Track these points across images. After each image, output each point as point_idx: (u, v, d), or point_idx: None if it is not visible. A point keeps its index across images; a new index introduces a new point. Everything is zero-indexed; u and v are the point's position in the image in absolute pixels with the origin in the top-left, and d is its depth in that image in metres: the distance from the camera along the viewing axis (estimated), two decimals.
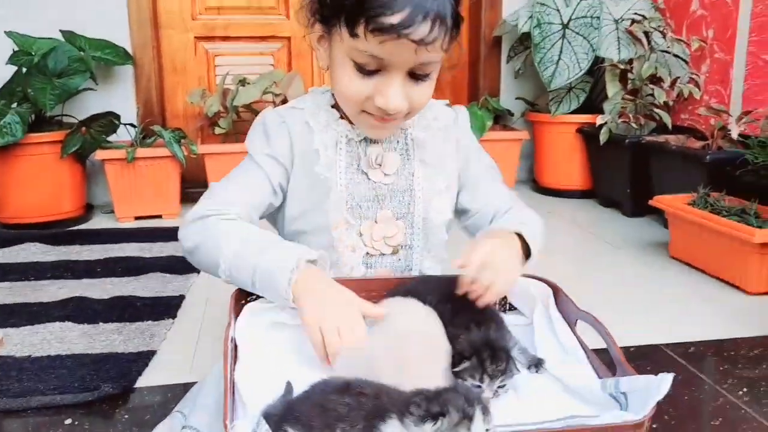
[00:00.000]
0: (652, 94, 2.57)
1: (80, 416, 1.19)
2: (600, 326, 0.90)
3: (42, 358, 1.40)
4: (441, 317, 0.93)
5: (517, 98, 3.16)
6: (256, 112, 2.54)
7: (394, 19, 0.88)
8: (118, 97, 2.82)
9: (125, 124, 2.65)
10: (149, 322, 1.59)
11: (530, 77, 3.09)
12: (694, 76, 2.57)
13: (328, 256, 1.01)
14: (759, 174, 1.99)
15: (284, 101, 2.47)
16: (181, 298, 1.76)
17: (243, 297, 0.98)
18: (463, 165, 1.18)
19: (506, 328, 0.97)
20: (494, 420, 0.68)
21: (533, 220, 1.10)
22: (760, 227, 1.74)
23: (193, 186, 2.82)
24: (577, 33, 2.74)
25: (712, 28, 2.54)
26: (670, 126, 2.53)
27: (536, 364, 0.91)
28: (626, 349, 1.39)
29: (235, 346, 0.87)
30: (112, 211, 2.64)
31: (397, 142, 1.13)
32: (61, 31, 2.63)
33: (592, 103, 2.87)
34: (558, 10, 2.78)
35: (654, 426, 1.11)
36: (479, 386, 0.83)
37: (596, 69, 2.80)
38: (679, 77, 2.58)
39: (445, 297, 0.96)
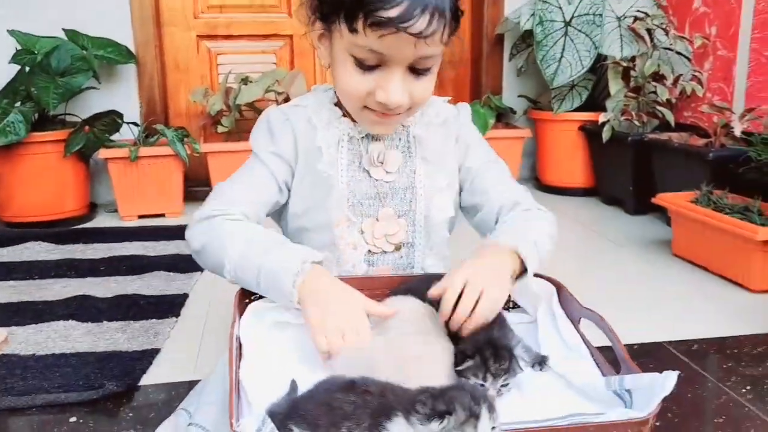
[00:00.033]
0: (654, 92, 2.57)
1: (85, 414, 1.20)
2: (604, 324, 0.90)
3: (46, 356, 1.40)
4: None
5: (519, 96, 3.16)
6: (258, 111, 2.55)
7: (393, 12, 0.88)
8: (121, 95, 2.82)
9: (128, 123, 2.65)
10: (153, 320, 1.59)
11: (532, 75, 3.09)
12: (696, 74, 2.57)
13: (333, 258, 1.01)
14: (762, 171, 1.99)
15: (286, 99, 2.47)
16: (185, 296, 1.77)
17: (247, 296, 0.98)
18: (463, 159, 1.17)
19: (509, 326, 0.97)
20: (500, 418, 0.68)
21: (539, 222, 1.08)
22: (763, 225, 1.74)
23: (196, 184, 2.83)
24: (580, 30, 2.74)
25: (715, 25, 2.53)
26: (672, 123, 2.53)
27: (540, 361, 0.91)
28: (629, 347, 1.39)
29: (240, 345, 0.88)
30: (116, 210, 2.64)
31: (399, 139, 1.13)
32: (63, 29, 2.63)
33: (595, 101, 2.87)
34: (560, 8, 2.78)
35: (657, 424, 1.11)
36: (482, 385, 0.83)
37: (599, 66, 2.79)
38: (681, 74, 2.58)
39: None
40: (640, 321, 1.58)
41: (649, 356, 1.40)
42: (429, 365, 0.84)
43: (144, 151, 2.54)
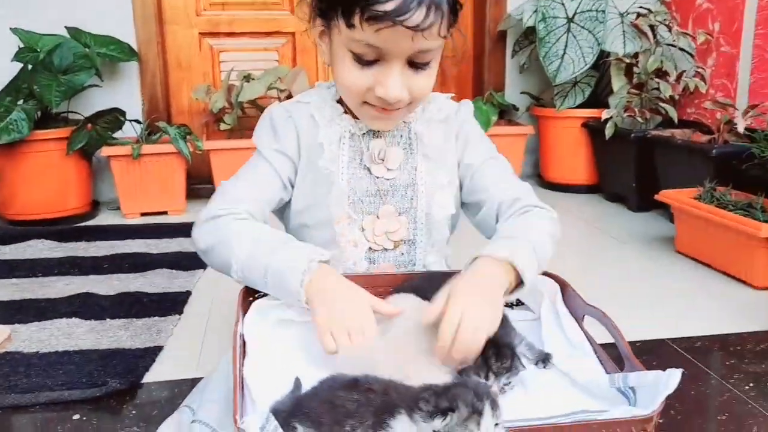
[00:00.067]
0: (657, 88, 2.56)
1: (88, 412, 1.20)
2: (608, 321, 0.90)
3: (50, 354, 1.40)
4: None
5: (522, 93, 3.15)
6: (261, 108, 2.55)
7: (389, 6, 0.88)
8: (124, 93, 2.82)
9: (131, 121, 2.65)
10: (156, 317, 1.60)
11: (535, 72, 3.08)
12: (699, 70, 2.56)
13: (335, 255, 1.01)
14: (765, 168, 1.98)
15: (289, 97, 2.47)
16: (188, 293, 1.77)
17: (251, 294, 0.98)
18: (461, 155, 1.16)
19: (511, 325, 0.97)
20: (503, 415, 0.68)
21: (539, 222, 1.05)
22: (766, 221, 1.73)
23: (198, 182, 2.83)
24: (582, 27, 2.73)
25: (718, 21, 2.53)
26: (675, 120, 2.53)
27: (544, 359, 0.91)
28: (632, 344, 1.38)
29: (243, 343, 0.88)
30: (118, 208, 2.64)
31: (401, 136, 1.12)
32: (66, 27, 2.63)
33: (598, 98, 2.86)
34: (563, 4, 2.77)
35: (660, 421, 1.11)
36: (492, 386, 0.83)
37: (601, 63, 2.79)
38: (684, 71, 2.57)
39: None
40: (643, 318, 1.58)
41: (652, 353, 1.40)
42: (430, 364, 0.84)
43: (146, 148, 2.54)
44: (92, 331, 1.52)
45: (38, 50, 2.53)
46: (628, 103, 2.61)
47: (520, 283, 0.93)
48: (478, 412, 0.65)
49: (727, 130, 2.24)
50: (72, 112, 2.65)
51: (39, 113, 2.47)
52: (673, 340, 1.46)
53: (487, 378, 0.83)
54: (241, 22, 2.99)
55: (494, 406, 0.67)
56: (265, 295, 0.97)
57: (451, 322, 0.82)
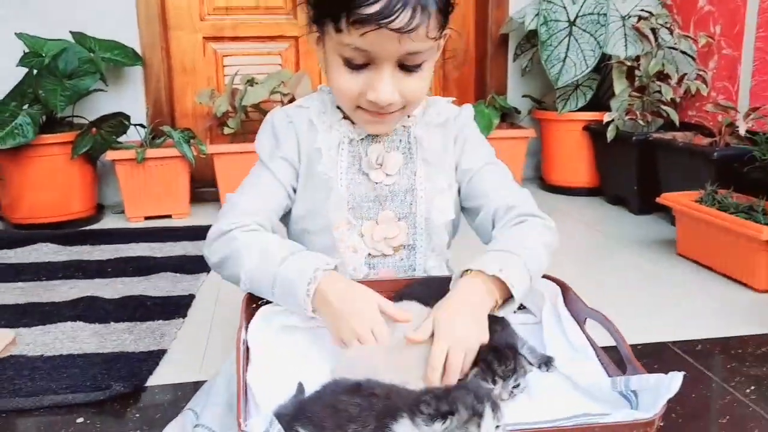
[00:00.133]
0: (659, 91, 2.56)
1: (92, 415, 1.20)
2: (609, 324, 0.90)
3: (54, 357, 1.41)
4: None
5: (523, 96, 3.16)
6: (264, 112, 2.56)
7: (373, 9, 0.88)
8: (128, 97, 2.83)
9: (135, 125, 2.66)
10: (160, 321, 1.60)
11: (537, 75, 3.09)
12: (701, 73, 2.56)
13: (339, 262, 1.01)
14: (766, 171, 1.98)
15: (292, 101, 2.48)
16: (191, 297, 1.78)
17: (254, 300, 0.99)
18: (459, 159, 1.15)
19: (511, 328, 0.97)
20: (505, 417, 0.69)
21: (533, 231, 1.04)
22: (767, 224, 1.73)
23: (202, 186, 2.84)
24: (584, 30, 2.74)
25: (720, 24, 2.53)
26: (677, 123, 2.53)
27: (546, 362, 0.91)
28: (634, 347, 1.39)
29: (247, 348, 0.88)
30: (123, 211, 2.65)
31: (400, 141, 1.12)
32: (71, 32, 2.65)
33: (599, 101, 2.86)
34: (564, 8, 2.78)
35: (662, 424, 1.11)
36: (493, 389, 0.83)
37: (603, 66, 2.79)
38: (686, 74, 2.58)
39: None
40: (645, 321, 1.58)
41: (654, 356, 1.40)
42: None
43: (151, 152, 2.55)
44: (96, 334, 1.53)
45: (43, 55, 2.54)
46: (630, 106, 2.62)
47: (510, 296, 0.94)
48: (478, 415, 0.66)
49: (728, 133, 2.24)
50: (77, 116, 2.66)
51: (44, 118, 2.48)
52: (675, 343, 1.47)
53: (494, 382, 0.83)
54: (245, 27, 3.00)
55: (495, 408, 0.68)
56: (268, 301, 0.98)
57: (438, 359, 0.84)
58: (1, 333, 1.48)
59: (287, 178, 1.10)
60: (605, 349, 0.93)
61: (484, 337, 0.89)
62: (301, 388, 0.83)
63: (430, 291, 0.97)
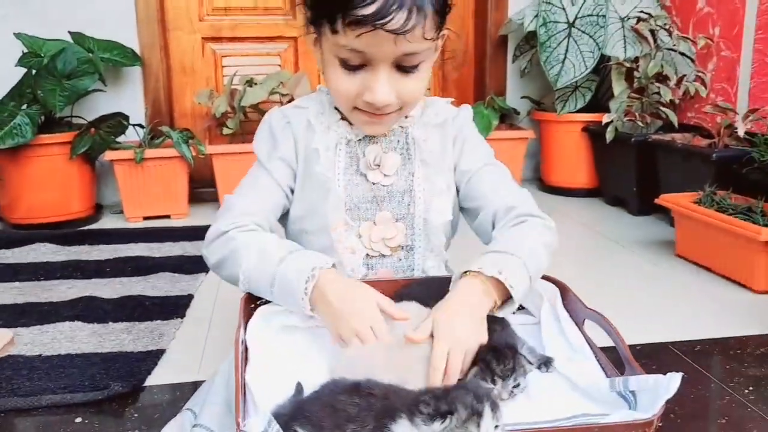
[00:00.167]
0: (658, 93, 2.57)
1: (90, 415, 1.20)
2: (608, 325, 0.90)
3: (52, 357, 1.41)
4: None
5: (522, 97, 3.16)
6: (263, 113, 2.55)
7: (368, 10, 0.88)
8: (127, 98, 2.83)
9: (134, 125, 2.66)
10: (158, 321, 1.60)
11: (536, 76, 3.09)
12: (700, 74, 2.57)
13: (337, 263, 1.01)
14: (765, 172, 1.99)
15: (291, 101, 2.48)
16: (190, 297, 1.77)
17: (253, 300, 0.99)
18: (458, 160, 1.15)
19: (511, 328, 0.97)
20: (504, 417, 0.69)
21: (533, 232, 1.03)
22: (766, 225, 1.74)
23: (201, 186, 2.84)
24: (583, 31, 2.74)
25: (719, 25, 2.53)
26: (676, 124, 2.53)
27: (545, 363, 0.91)
28: (632, 348, 1.38)
29: (246, 348, 0.88)
30: (121, 212, 2.65)
31: (398, 141, 1.12)
32: (69, 32, 2.65)
33: (598, 102, 2.87)
34: (564, 9, 2.78)
35: (660, 425, 1.11)
36: (493, 389, 0.83)
37: (602, 67, 2.79)
38: (685, 75, 2.58)
39: None
40: (644, 322, 1.58)
41: (653, 357, 1.40)
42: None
43: (149, 152, 2.55)
44: (95, 334, 1.53)
45: (42, 55, 2.55)
46: (629, 107, 2.62)
47: (510, 297, 0.94)
48: (477, 414, 0.66)
49: (727, 134, 2.25)
50: (75, 116, 2.66)
51: (43, 118, 2.48)
52: (673, 343, 1.47)
53: (493, 382, 0.83)
54: (244, 27, 3.00)
55: (494, 407, 0.68)
56: (267, 301, 0.98)
57: (440, 360, 0.84)
58: None
59: (285, 179, 1.10)
60: (604, 349, 0.93)
61: (483, 338, 0.89)
62: (299, 387, 0.83)
63: (429, 291, 0.97)
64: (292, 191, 1.12)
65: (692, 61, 2.62)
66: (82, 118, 2.65)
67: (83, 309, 1.67)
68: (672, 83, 2.57)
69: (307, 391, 0.80)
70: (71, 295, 1.76)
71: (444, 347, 0.85)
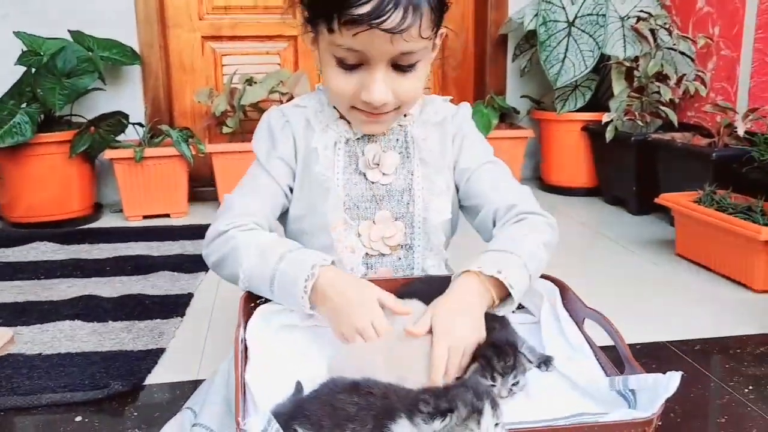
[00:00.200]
0: (658, 92, 2.57)
1: (90, 414, 1.20)
2: (608, 324, 0.90)
3: (52, 356, 1.41)
4: None
5: (522, 96, 3.16)
6: (262, 111, 2.55)
7: (364, 9, 0.88)
8: (127, 96, 2.83)
9: (133, 124, 2.66)
10: (158, 320, 1.60)
11: (536, 75, 3.09)
12: (700, 74, 2.57)
13: (337, 262, 1.01)
14: (765, 171, 1.99)
15: (290, 100, 2.48)
16: (190, 296, 1.77)
17: (252, 299, 0.99)
18: (457, 158, 1.15)
19: (512, 326, 0.97)
20: (504, 416, 0.69)
21: (532, 230, 1.03)
22: (766, 225, 1.73)
23: (200, 185, 2.84)
24: (583, 31, 2.74)
25: (719, 25, 2.53)
26: (676, 123, 2.53)
27: (545, 362, 0.91)
28: (632, 347, 1.39)
29: (245, 347, 0.88)
30: (121, 210, 2.65)
31: (397, 140, 1.12)
32: (69, 31, 2.64)
33: (598, 101, 2.87)
34: (563, 8, 2.78)
35: (660, 423, 1.11)
36: (493, 386, 0.83)
37: (602, 67, 2.79)
38: (685, 74, 2.58)
39: None
40: (643, 321, 1.58)
41: (652, 356, 1.40)
42: (428, 368, 0.85)
43: (149, 151, 2.55)
44: (95, 333, 1.53)
45: (42, 54, 2.54)
46: (629, 106, 2.62)
47: (508, 295, 0.94)
48: (478, 411, 0.66)
49: (727, 134, 2.25)
50: (75, 115, 2.67)
51: (42, 116, 2.48)
52: (673, 342, 1.47)
53: (493, 380, 0.83)
54: (244, 26, 3.00)
55: (494, 405, 0.68)
56: (267, 300, 0.98)
57: (441, 359, 0.84)
58: None
59: (284, 178, 1.10)
60: (604, 348, 0.93)
61: (482, 336, 0.89)
62: (299, 386, 0.83)
63: (430, 289, 0.97)
64: (292, 190, 1.12)
65: (692, 60, 2.62)
66: (82, 117, 2.65)
67: (83, 308, 1.67)
68: (672, 82, 2.57)
69: (307, 390, 0.80)
70: (71, 294, 1.76)
71: (444, 346, 0.85)
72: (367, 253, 1.10)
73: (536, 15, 2.81)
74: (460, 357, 0.86)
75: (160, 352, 1.44)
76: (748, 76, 2.38)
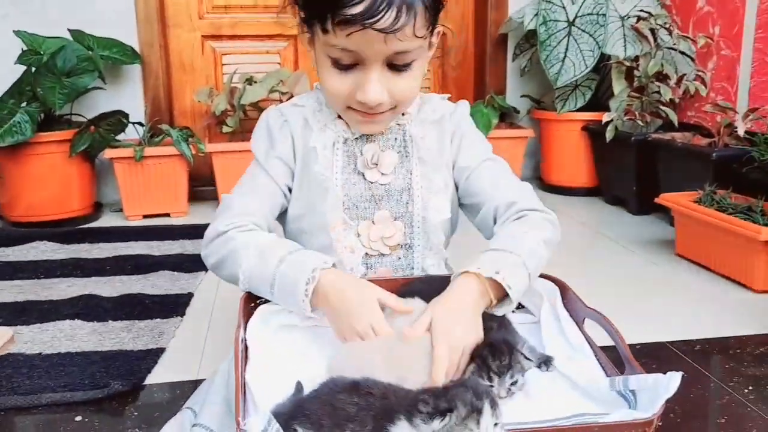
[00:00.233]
0: (658, 92, 2.57)
1: (90, 413, 1.20)
2: (608, 324, 0.90)
3: (52, 355, 1.41)
4: None
5: (522, 96, 3.16)
6: (262, 111, 2.55)
7: (357, 9, 0.88)
8: (127, 95, 2.83)
9: (133, 123, 2.66)
10: (158, 319, 1.60)
11: (536, 75, 3.09)
12: (700, 73, 2.57)
13: (336, 262, 1.01)
14: (765, 171, 1.99)
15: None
16: (190, 295, 1.77)
17: (252, 299, 0.99)
18: (456, 156, 1.15)
19: (512, 326, 0.97)
20: (503, 416, 0.69)
21: (533, 227, 1.03)
22: (766, 225, 1.74)
23: (201, 184, 2.84)
24: (583, 30, 2.74)
25: (719, 24, 2.53)
26: (676, 123, 2.53)
27: (545, 361, 0.91)
28: (632, 347, 1.38)
29: (246, 348, 0.88)
30: (121, 210, 2.65)
31: (395, 139, 1.12)
32: (69, 30, 2.64)
33: (598, 101, 2.87)
34: (564, 8, 2.78)
35: (660, 424, 1.11)
36: (491, 386, 0.83)
37: (602, 66, 2.79)
38: (685, 74, 2.58)
39: None
40: (643, 321, 1.58)
41: (652, 356, 1.40)
42: (428, 367, 0.85)
43: (149, 151, 2.55)
44: (95, 332, 1.53)
45: (42, 53, 2.54)
46: (629, 106, 2.62)
47: (507, 296, 0.94)
48: (477, 410, 0.66)
49: (727, 134, 2.25)
50: (75, 114, 2.66)
51: (42, 115, 2.48)
52: (673, 342, 1.47)
53: (490, 380, 0.83)
54: (244, 25, 3.00)
55: (494, 405, 0.68)
56: (267, 300, 0.98)
57: (443, 361, 0.84)
58: None
59: (283, 178, 1.10)
60: (604, 348, 0.93)
61: (480, 336, 0.90)
62: (299, 386, 0.83)
63: (431, 289, 0.97)
64: (290, 190, 1.12)
65: (692, 60, 2.62)
66: (82, 116, 2.65)
67: (83, 307, 1.67)
68: (672, 82, 2.57)
69: (307, 390, 0.80)
70: (71, 294, 1.76)
71: (445, 348, 0.85)
72: (366, 253, 1.10)
73: (536, 14, 2.81)
74: (459, 357, 0.86)
75: (160, 351, 1.44)
76: (749, 76, 2.38)
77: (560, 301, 1.00)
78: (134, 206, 2.61)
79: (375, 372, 0.80)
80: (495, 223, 1.09)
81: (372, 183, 1.10)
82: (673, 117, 2.53)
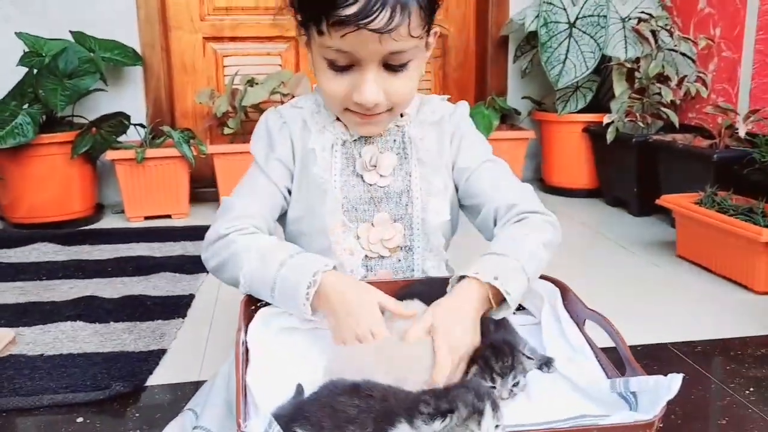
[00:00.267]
0: (659, 93, 2.57)
1: (92, 414, 1.20)
2: (609, 325, 0.90)
3: (54, 356, 1.41)
4: None
5: (523, 97, 3.16)
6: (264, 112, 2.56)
7: (351, 10, 0.88)
8: (128, 97, 2.84)
9: (135, 125, 2.66)
10: (159, 321, 1.60)
11: (537, 76, 3.09)
12: (701, 75, 2.56)
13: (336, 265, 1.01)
14: (766, 173, 1.99)
15: None
16: (191, 297, 1.78)
17: (253, 302, 0.99)
18: (456, 157, 1.14)
19: (512, 327, 0.97)
20: (504, 417, 0.69)
21: (533, 229, 1.03)
22: (767, 226, 1.74)
23: (202, 186, 2.85)
24: (584, 32, 2.74)
25: (720, 26, 2.53)
26: (677, 125, 2.53)
27: (546, 363, 0.91)
28: (633, 348, 1.38)
29: (246, 350, 0.89)
30: (123, 211, 2.66)
31: (394, 141, 1.11)
32: (71, 32, 2.65)
33: (599, 102, 2.87)
34: (565, 9, 2.78)
35: (661, 425, 1.11)
36: (493, 388, 0.83)
37: (603, 68, 2.80)
38: (686, 76, 2.58)
39: None
40: (644, 322, 1.58)
41: (653, 357, 1.40)
42: (428, 370, 0.85)
43: (150, 152, 2.55)
44: (96, 334, 1.53)
45: (43, 54, 2.55)
46: (630, 107, 2.62)
47: (505, 300, 0.93)
48: (478, 412, 0.66)
49: (728, 135, 2.25)
50: (77, 116, 2.67)
51: (44, 117, 2.48)
52: (674, 344, 1.47)
53: (493, 381, 0.83)
54: (245, 27, 3.00)
55: (495, 407, 0.68)
56: (268, 303, 0.98)
57: (445, 366, 0.84)
58: (1, 332, 1.48)
59: (282, 180, 1.10)
60: (605, 350, 0.93)
61: (477, 340, 0.90)
62: (300, 389, 0.83)
63: (431, 291, 0.97)
64: (290, 192, 1.12)
65: (693, 61, 2.63)
66: (84, 118, 2.65)
67: (85, 309, 1.67)
68: (673, 84, 2.57)
69: (308, 393, 0.81)
70: (73, 295, 1.77)
71: (446, 348, 0.85)
72: (366, 256, 1.10)
73: (537, 16, 2.81)
74: (459, 358, 0.86)
75: (161, 353, 1.44)
76: (749, 78, 2.38)
77: (561, 303, 1.00)
78: (135, 208, 2.62)
79: (375, 374, 0.80)
80: (495, 224, 1.09)
81: (371, 185, 1.10)
82: (674, 118, 2.53)
